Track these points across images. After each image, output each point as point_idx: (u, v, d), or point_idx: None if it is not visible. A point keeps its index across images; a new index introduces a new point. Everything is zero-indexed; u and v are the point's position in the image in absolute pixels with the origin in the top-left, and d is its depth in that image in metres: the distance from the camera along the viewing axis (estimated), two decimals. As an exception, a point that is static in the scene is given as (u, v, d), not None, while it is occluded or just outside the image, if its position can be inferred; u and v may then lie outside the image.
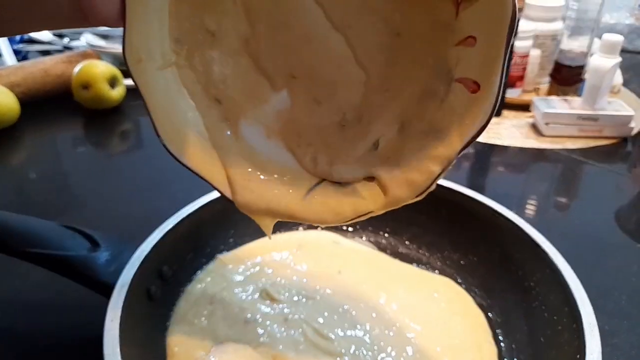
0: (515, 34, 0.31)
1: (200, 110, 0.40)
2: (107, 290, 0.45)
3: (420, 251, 0.62)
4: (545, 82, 1.12)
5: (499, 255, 0.55)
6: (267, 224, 0.42)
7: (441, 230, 0.60)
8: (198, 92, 0.39)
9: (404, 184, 0.37)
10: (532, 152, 0.93)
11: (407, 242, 0.63)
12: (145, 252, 0.49)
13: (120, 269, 0.47)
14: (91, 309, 0.45)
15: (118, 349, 0.39)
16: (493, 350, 0.49)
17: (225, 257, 0.61)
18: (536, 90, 1.12)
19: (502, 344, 0.50)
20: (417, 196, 0.36)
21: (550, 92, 1.09)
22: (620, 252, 0.68)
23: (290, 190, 0.41)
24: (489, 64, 0.32)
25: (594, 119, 0.94)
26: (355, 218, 0.39)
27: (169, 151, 0.38)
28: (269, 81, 0.40)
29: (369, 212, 0.39)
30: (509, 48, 0.31)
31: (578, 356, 0.39)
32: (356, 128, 0.41)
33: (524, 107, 1.05)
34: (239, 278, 0.58)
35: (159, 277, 0.52)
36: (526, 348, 0.47)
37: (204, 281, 0.57)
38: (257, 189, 0.41)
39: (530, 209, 0.79)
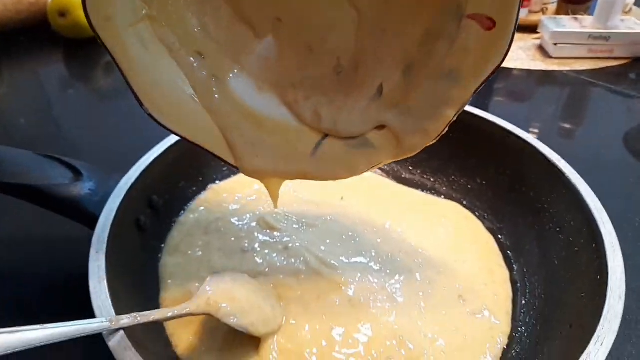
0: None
1: (184, 69, 0.35)
2: (92, 222, 0.42)
3: (425, 176, 0.59)
4: (553, 2, 1.05)
5: (510, 177, 0.51)
6: (274, 188, 0.40)
7: (448, 154, 0.57)
8: (177, 47, 0.35)
9: (418, 132, 0.35)
10: (538, 74, 0.88)
11: (410, 168, 0.60)
12: (132, 180, 0.46)
13: (105, 199, 0.44)
14: (78, 243, 0.42)
15: (105, 282, 0.36)
16: (505, 273, 0.47)
17: (219, 186, 0.58)
18: (543, 11, 1.05)
19: (514, 267, 0.48)
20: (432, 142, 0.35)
21: (558, 12, 1.03)
22: (631, 175, 0.65)
23: (297, 149, 0.38)
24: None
25: (605, 37, 0.88)
26: (370, 169, 0.37)
27: (156, 121, 0.33)
28: (252, 28, 0.36)
29: (382, 162, 0.37)
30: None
31: (599, 277, 0.36)
32: (354, 74, 0.37)
33: (531, 29, 0.99)
34: (235, 207, 0.55)
35: (148, 206, 0.48)
36: (539, 271, 0.45)
37: (198, 211, 0.54)
38: (261, 151, 0.37)
39: (534, 132, 0.75)
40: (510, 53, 0.32)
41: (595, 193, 0.43)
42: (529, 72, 0.88)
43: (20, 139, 0.77)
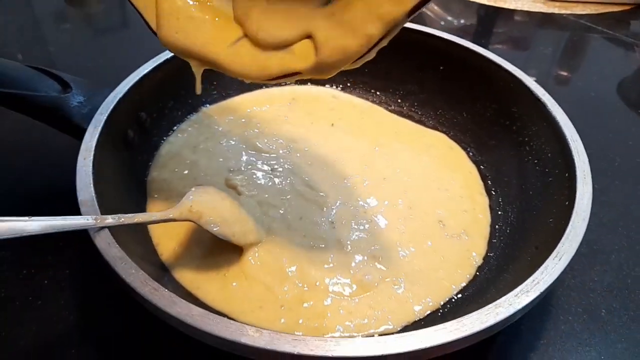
0: None
1: None
2: (80, 133, 0.43)
3: (412, 109, 0.60)
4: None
5: (496, 110, 0.52)
6: (196, 69, 0.38)
7: (437, 87, 0.57)
8: None
9: (337, 47, 0.32)
10: (538, 16, 0.87)
11: (399, 100, 0.61)
12: (120, 95, 0.46)
13: (93, 112, 0.45)
14: (66, 153, 0.43)
15: (92, 186, 0.37)
16: (485, 201, 0.49)
17: (210, 109, 0.58)
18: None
19: (492, 195, 0.49)
20: (352, 62, 0.32)
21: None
22: (619, 119, 0.66)
23: (219, 35, 0.36)
24: None
25: (609, -19, 0.87)
26: (282, 77, 0.35)
27: None
28: None
29: (296, 72, 0.34)
30: None
31: (567, 202, 0.38)
32: None
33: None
34: (225, 128, 0.55)
35: (136, 122, 0.49)
36: (515, 200, 0.46)
37: (187, 131, 0.55)
38: (183, 27, 0.35)
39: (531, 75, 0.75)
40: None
41: (581, 135, 0.43)
42: (530, 15, 0.87)
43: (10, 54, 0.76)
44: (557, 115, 0.44)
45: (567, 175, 0.40)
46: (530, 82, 0.48)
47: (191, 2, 0.36)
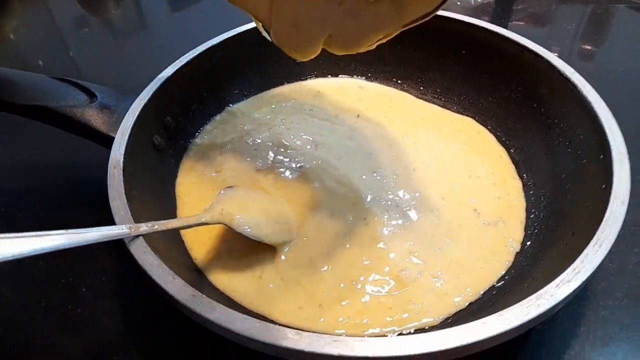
0: None
1: None
2: (109, 142, 0.43)
3: (435, 96, 0.59)
4: None
5: (522, 93, 0.51)
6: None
7: (460, 72, 0.56)
8: None
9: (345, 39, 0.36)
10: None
11: (421, 88, 0.60)
12: (145, 101, 0.46)
13: (120, 120, 0.45)
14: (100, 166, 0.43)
15: (124, 196, 0.38)
16: (518, 185, 0.48)
17: (234, 108, 0.58)
18: None
19: (524, 178, 0.49)
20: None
21: None
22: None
23: None
24: None
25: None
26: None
27: None
28: None
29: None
30: None
31: (604, 186, 0.37)
32: None
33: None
34: (250, 127, 0.55)
35: (162, 127, 0.50)
36: (546, 184, 0.45)
37: (212, 132, 0.55)
38: None
39: (554, 52, 0.73)
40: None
41: (613, 111, 0.42)
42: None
43: (35, 68, 0.78)
44: (588, 95, 0.43)
45: (602, 157, 0.39)
46: (557, 61, 0.47)
47: None
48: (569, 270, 0.31)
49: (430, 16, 0.34)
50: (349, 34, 0.37)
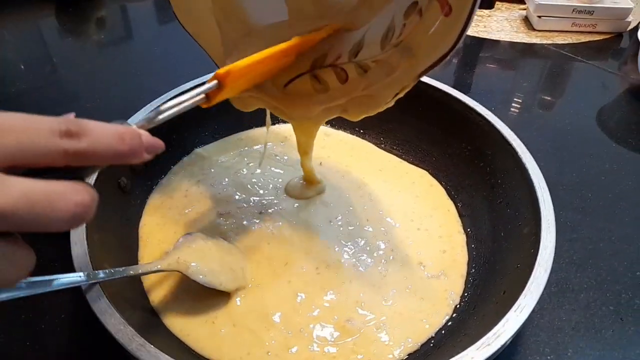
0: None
1: None
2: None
3: (394, 147, 0.62)
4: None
5: (471, 151, 0.55)
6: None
7: (417, 126, 0.60)
8: None
9: (361, 106, 0.42)
10: (521, 46, 0.90)
11: (381, 139, 0.63)
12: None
13: (88, 162, 0.47)
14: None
15: (85, 241, 0.40)
16: (463, 239, 0.51)
17: (203, 150, 0.61)
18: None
19: (468, 232, 0.52)
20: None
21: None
22: (597, 149, 0.68)
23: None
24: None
25: (589, 12, 0.90)
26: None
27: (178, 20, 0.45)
28: None
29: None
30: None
31: (532, 250, 0.40)
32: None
33: (519, -1, 1.00)
34: (216, 170, 0.58)
35: (129, 169, 0.52)
36: (487, 240, 0.49)
37: (179, 174, 0.57)
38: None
39: (515, 106, 0.78)
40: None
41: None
42: (512, 45, 0.90)
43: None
44: (527, 163, 0.47)
45: (533, 222, 0.43)
46: (501, 126, 0.51)
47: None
48: (490, 334, 0.34)
49: (444, 60, 0.36)
50: (362, 102, 0.41)
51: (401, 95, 0.40)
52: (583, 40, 0.91)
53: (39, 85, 0.80)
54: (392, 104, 0.41)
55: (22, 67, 0.86)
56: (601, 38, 0.92)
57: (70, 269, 0.38)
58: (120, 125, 0.25)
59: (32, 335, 0.45)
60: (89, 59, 0.88)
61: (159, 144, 0.28)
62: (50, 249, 0.49)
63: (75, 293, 0.47)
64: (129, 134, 0.25)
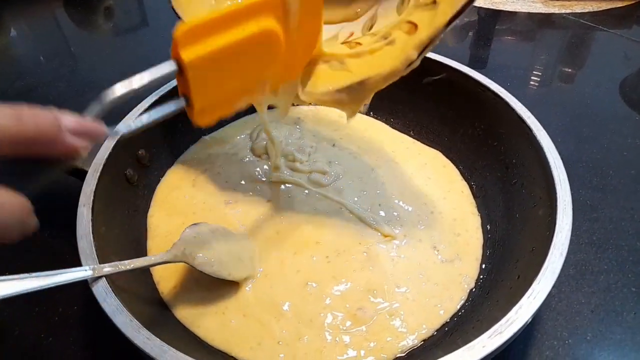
0: None
1: None
2: (84, 175, 0.45)
3: (406, 128, 0.61)
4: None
5: (484, 131, 0.53)
6: None
7: (426, 107, 0.58)
8: None
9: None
10: (539, 17, 0.86)
11: (392, 120, 0.62)
12: (116, 136, 0.48)
13: (94, 154, 0.47)
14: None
15: (90, 234, 0.39)
16: (477, 220, 0.50)
17: (210, 138, 0.60)
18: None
19: (482, 214, 0.51)
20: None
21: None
22: (619, 124, 0.65)
23: None
24: None
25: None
26: None
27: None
28: None
29: None
30: None
31: (547, 233, 0.38)
32: None
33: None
34: (223, 158, 0.57)
35: (135, 160, 0.51)
36: (501, 222, 0.47)
37: (186, 163, 0.57)
38: None
39: (534, 80, 0.75)
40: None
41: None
42: (530, 16, 0.86)
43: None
44: (542, 141, 0.45)
45: (549, 204, 0.41)
46: (515, 102, 0.49)
47: None
48: (503, 321, 0.33)
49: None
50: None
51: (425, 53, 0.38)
52: (604, 7, 0.87)
53: (59, 76, 0.80)
54: (418, 63, 0.38)
55: (42, 58, 0.86)
56: (624, 4, 0.87)
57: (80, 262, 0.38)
58: (26, 107, 0.22)
59: (46, 327, 0.45)
60: (103, 48, 0.88)
61: (96, 129, 0.26)
62: (58, 240, 0.50)
63: (87, 286, 0.48)
64: (28, 114, 0.22)
